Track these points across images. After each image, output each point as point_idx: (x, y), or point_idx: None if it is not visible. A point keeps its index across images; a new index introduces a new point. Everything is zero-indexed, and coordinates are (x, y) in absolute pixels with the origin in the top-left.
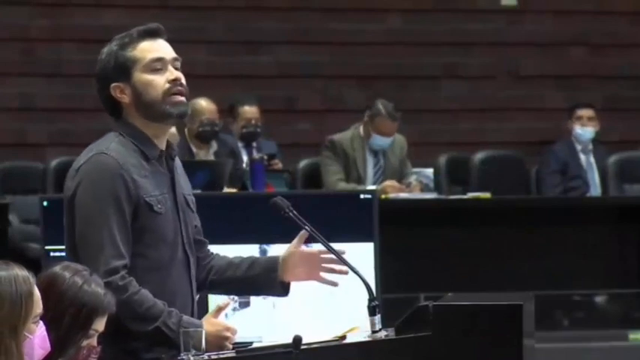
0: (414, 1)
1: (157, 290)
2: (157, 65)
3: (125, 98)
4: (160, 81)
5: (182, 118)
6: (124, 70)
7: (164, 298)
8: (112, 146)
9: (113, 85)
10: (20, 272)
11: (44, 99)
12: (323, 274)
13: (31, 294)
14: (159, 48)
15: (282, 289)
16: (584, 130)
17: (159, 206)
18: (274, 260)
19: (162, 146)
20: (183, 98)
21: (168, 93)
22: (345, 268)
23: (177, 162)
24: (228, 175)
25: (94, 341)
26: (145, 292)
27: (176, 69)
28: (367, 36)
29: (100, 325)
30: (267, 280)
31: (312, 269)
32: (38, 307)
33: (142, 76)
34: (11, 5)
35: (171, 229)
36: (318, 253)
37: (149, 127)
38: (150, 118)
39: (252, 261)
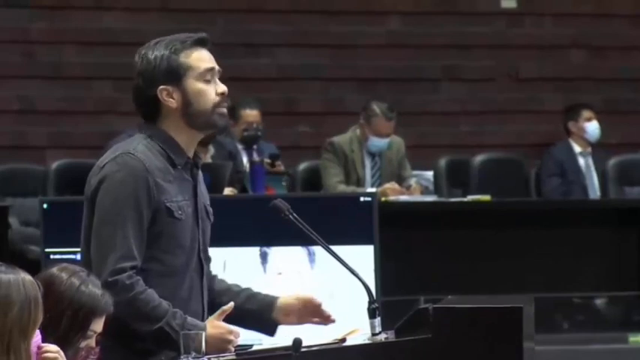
0: (414, 3)
1: (169, 296)
2: (208, 76)
3: (172, 102)
4: (211, 92)
5: (223, 131)
6: (175, 74)
7: (177, 304)
8: (139, 148)
9: (161, 87)
10: (27, 277)
11: (44, 101)
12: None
13: (38, 300)
14: (210, 58)
15: (272, 330)
16: (594, 126)
17: (179, 212)
18: (271, 300)
19: (190, 154)
20: (226, 112)
21: (217, 105)
22: (332, 316)
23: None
24: (228, 177)
25: (92, 342)
26: (151, 292)
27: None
28: (367, 38)
29: (98, 325)
30: (261, 318)
31: (304, 314)
32: (42, 313)
33: (195, 84)
34: (11, 7)
35: (189, 235)
36: (312, 300)
37: (185, 134)
38: (194, 125)
39: (250, 294)
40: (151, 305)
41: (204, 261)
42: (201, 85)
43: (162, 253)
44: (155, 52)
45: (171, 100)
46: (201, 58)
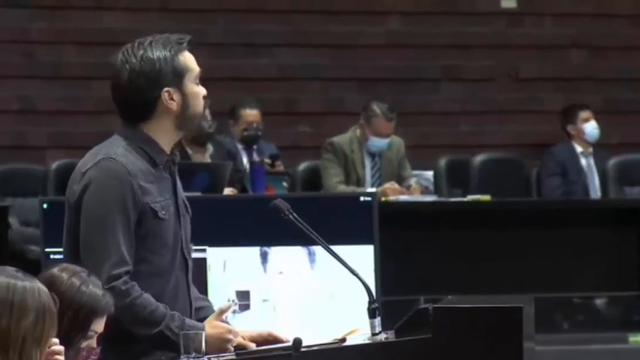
0: (414, 3)
1: (158, 295)
2: (197, 78)
3: (174, 104)
4: (202, 95)
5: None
6: (179, 76)
7: (165, 303)
8: (119, 151)
9: (166, 88)
10: (43, 287)
11: (44, 101)
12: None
13: (53, 311)
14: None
15: None
16: (592, 126)
17: (163, 212)
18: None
19: (169, 152)
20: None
21: (205, 108)
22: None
23: None
24: (227, 177)
25: (93, 342)
26: (147, 296)
27: None
28: (367, 38)
29: (99, 326)
30: None
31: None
32: (56, 325)
33: (193, 87)
34: (11, 7)
35: (172, 234)
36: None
37: (169, 135)
38: (184, 127)
39: (203, 316)
40: (149, 310)
41: (187, 257)
42: (197, 88)
43: (150, 254)
44: (156, 52)
45: (172, 102)
46: (193, 61)
